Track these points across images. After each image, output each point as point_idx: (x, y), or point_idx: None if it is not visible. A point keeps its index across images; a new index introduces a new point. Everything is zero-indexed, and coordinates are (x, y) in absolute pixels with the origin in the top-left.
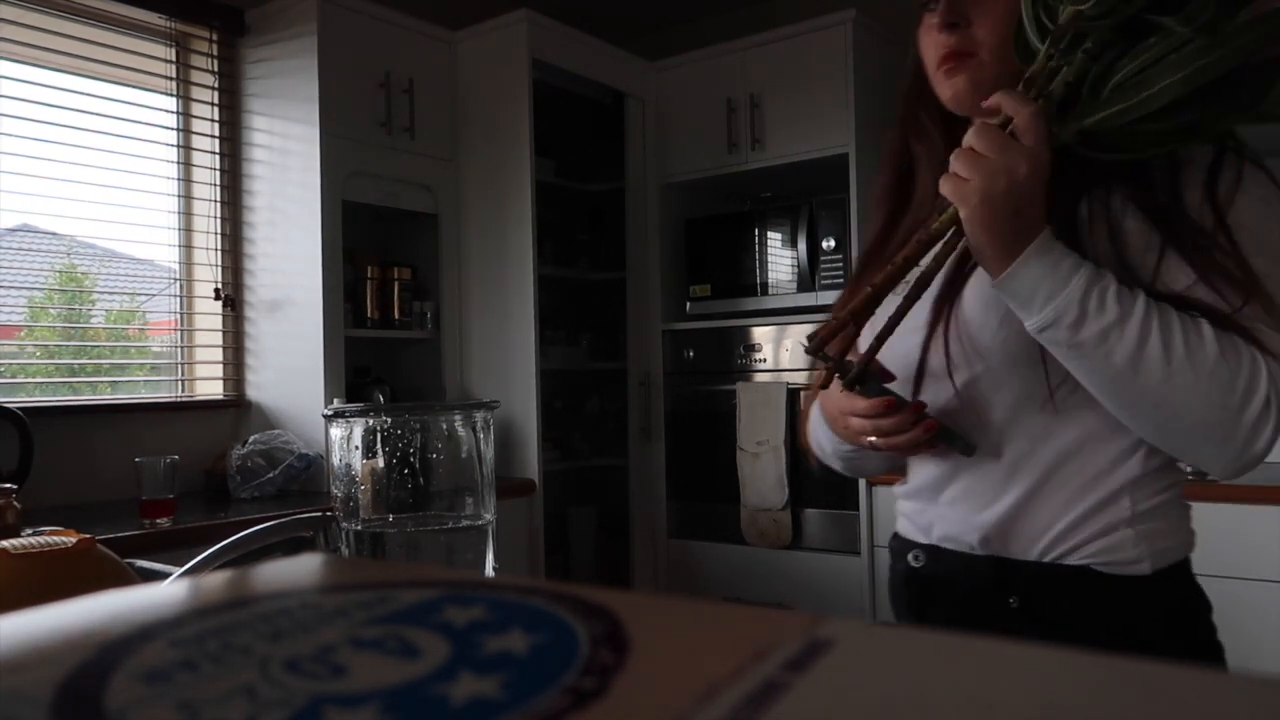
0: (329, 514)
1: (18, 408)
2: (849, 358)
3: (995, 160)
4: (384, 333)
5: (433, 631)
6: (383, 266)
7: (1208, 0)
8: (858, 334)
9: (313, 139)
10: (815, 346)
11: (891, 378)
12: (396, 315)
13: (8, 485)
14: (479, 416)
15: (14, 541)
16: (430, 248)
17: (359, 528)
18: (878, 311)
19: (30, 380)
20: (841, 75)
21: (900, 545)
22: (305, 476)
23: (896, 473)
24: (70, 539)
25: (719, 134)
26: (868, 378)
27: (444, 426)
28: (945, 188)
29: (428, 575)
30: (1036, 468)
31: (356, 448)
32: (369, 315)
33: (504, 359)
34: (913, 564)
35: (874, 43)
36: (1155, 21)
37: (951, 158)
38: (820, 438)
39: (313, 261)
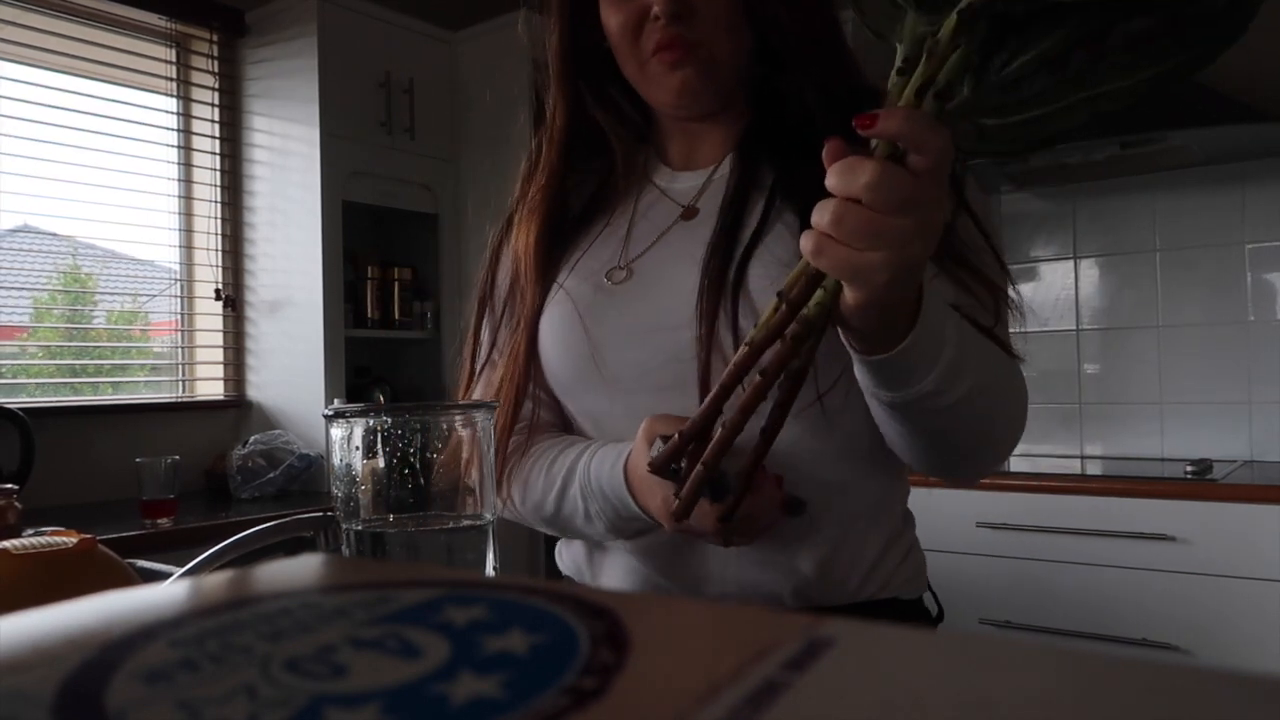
0: (329, 514)
1: (19, 408)
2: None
3: (905, 224)
4: (384, 333)
5: (433, 631)
6: (383, 266)
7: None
8: (704, 444)
9: (313, 139)
10: (659, 466)
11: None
12: (396, 315)
13: (9, 485)
14: (479, 416)
15: (15, 542)
16: (430, 248)
17: (359, 528)
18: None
19: (32, 381)
20: None
21: None
22: (306, 476)
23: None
24: (71, 539)
25: None
26: (728, 484)
27: (444, 426)
28: (824, 259)
29: (428, 575)
30: (842, 506)
31: (357, 448)
32: (369, 315)
33: None
34: None
35: (874, 43)
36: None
37: (825, 206)
38: (600, 510)
39: (313, 261)
